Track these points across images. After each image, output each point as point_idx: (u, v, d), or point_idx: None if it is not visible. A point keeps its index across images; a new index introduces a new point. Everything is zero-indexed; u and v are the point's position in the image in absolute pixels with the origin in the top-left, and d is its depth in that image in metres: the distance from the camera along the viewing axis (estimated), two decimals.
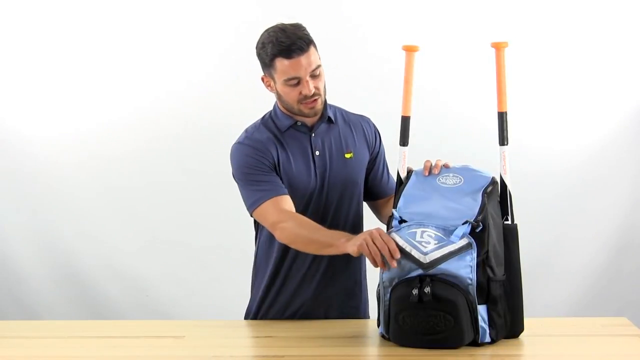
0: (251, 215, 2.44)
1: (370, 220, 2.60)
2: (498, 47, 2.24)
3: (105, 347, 2.23)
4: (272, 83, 2.40)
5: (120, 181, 4.08)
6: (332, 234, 2.25)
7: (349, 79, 3.80)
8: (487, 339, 2.10)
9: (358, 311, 2.55)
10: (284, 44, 2.29)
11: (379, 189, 2.57)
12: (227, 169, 2.50)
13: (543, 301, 3.96)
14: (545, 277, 4.02)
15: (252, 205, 2.39)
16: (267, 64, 2.36)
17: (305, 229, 2.29)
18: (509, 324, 2.15)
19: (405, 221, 2.14)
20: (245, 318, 2.59)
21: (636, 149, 4.02)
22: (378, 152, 2.57)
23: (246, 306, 2.60)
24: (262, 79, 2.42)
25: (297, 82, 2.33)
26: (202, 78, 4.04)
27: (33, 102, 4.07)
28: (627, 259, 4.06)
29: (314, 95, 2.35)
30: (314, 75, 2.34)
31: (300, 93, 2.35)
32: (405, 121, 2.31)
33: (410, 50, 2.30)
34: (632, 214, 4.05)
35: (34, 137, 4.06)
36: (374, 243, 2.08)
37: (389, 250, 2.06)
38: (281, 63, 2.32)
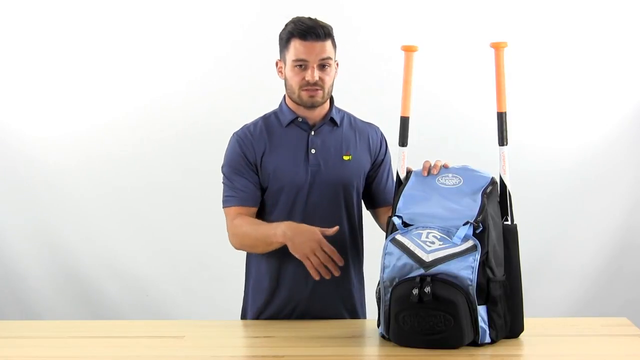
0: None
1: (370, 229, 2.61)
2: (497, 47, 2.25)
3: (105, 347, 2.23)
4: (283, 68, 2.46)
5: (120, 181, 4.08)
6: (269, 228, 2.36)
7: (348, 79, 3.78)
8: (487, 339, 2.10)
9: (355, 311, 2.54)
10: (304, 25, 2.39)
11: (382, 197, 2.57)
12: None
13: (543, 301, 3.96)
14: (545, 277, 4.02)
15: (223, 202, 2.50)
16: (283, 43, 2.43)
17: (249, 225, 2.40)
18: (509, 324, 2.15)
19: (409, 225, 2.15)
20: (242, 318, 2.59)
21: (636, 148, 4.02)
22: (382, 160, 2.57)
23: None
24: (276, 64, 2.49)
25: (304, 66, 2.38)
26: (202, 78, 4.04)
27: (33, 102, 4.06)
28: (627, 258, 4.06)
29: (316, 84, 2.39)
30: (322, 66, 2.40)
31: (304, 78, 2.39)
32: (404, 121, 2.32)
33: (409, 50, 2.30)
34: (632, 214, 4.04)
35: (34, 137, 4.05)
36: (316, 255, 2.26)
37: (333, 260, 2.27)
38: (295, 43, 2.39)
